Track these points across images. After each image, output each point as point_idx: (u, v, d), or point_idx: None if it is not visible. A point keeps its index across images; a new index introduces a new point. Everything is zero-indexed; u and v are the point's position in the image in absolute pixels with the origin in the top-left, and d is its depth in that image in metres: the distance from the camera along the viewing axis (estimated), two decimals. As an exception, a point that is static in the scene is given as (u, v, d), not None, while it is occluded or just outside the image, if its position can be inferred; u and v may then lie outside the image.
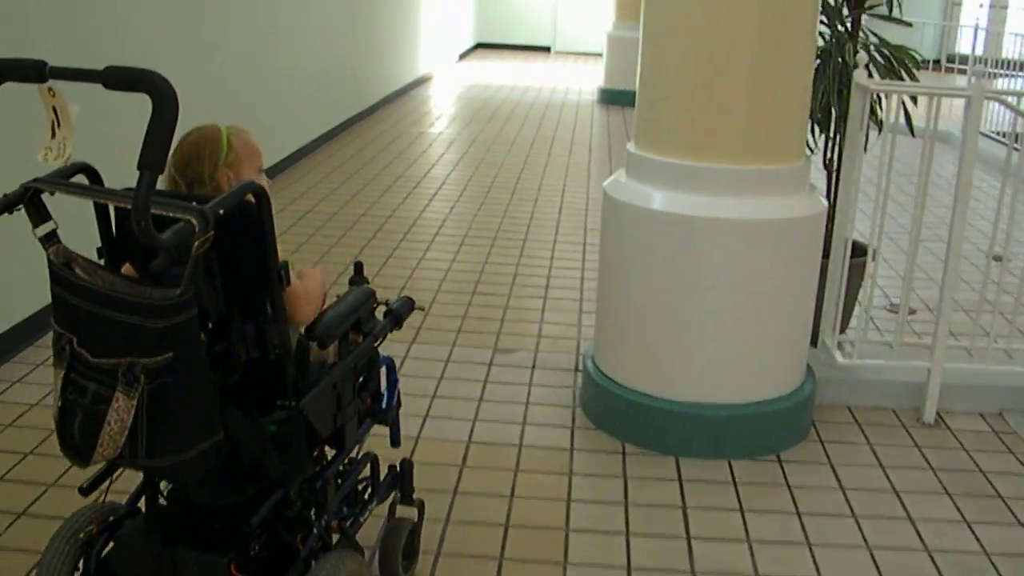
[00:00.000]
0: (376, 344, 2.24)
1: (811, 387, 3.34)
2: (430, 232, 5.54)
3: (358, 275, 2.38)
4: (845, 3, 3.83)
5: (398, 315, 2.31)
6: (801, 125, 3.14)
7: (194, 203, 1.65)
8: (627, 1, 10.97)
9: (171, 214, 1.63)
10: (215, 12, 5.73)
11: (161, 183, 2.09)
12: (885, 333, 4.20)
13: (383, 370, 2.38)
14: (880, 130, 3.55)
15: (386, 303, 2.36)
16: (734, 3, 2.91)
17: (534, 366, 3.80)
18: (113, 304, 1.64)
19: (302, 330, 2.02)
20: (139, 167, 1.51)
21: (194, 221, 1.59)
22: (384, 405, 2.37)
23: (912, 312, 4.53)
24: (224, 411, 1.81)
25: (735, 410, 3.16)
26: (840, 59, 3.65)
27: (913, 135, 3.85)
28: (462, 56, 15.13)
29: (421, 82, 11.81)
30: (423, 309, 2.43)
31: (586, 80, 12.84)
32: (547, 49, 16.73)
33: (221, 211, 1.64)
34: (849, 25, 3.82)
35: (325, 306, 2.15)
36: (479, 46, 16.65)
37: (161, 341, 1.62)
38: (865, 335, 3.62)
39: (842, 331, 3.77)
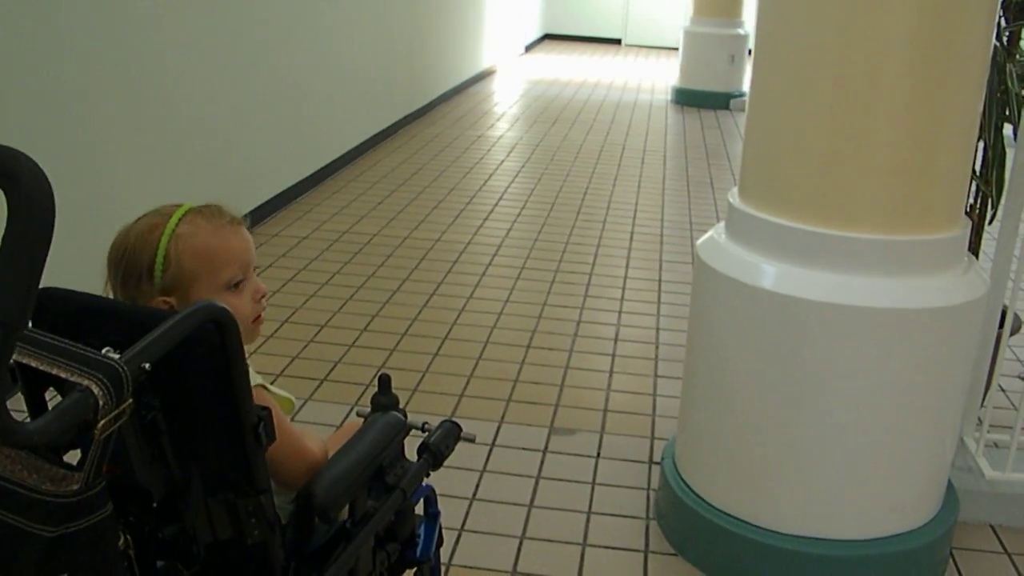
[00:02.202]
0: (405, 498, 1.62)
1: (954, 517, 2.58)
2: (483, 261, 4.85)
3: (384, 394, 1.76)
4: (1003, 13, 3.04)
5: (437, 454, 1.68)
6: (963, 180, 2.37)
7: (105, 349, 1.03)
8: (707, -6, 10.13)
9: (56, 373, 1.00)
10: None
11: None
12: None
13: (419, 502, 1.79)
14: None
15: (422, 428, 1.74)
16: (883, 18, 2.16)
17: (599, 455, 3.09)
18: None
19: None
20: None
21: (94, 389, 0.97)
22: (419, 553, 1.75)
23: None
24: None
25: (856, 548, 2.42)
26: (1002, 85, 2.87)
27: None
28: (528, 48, 14.40)
29: (483, 77, 11.10)
30: (472, 440, 1.78)
31: (659, 77, 12.02)
32: (618, 42, 15.91)
33: (147, 365, 1.03)
34: (1006, 41, 3.04)
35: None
36: (546, 37, 15.91)
37: (50, 557, 1.01)
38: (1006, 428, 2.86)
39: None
